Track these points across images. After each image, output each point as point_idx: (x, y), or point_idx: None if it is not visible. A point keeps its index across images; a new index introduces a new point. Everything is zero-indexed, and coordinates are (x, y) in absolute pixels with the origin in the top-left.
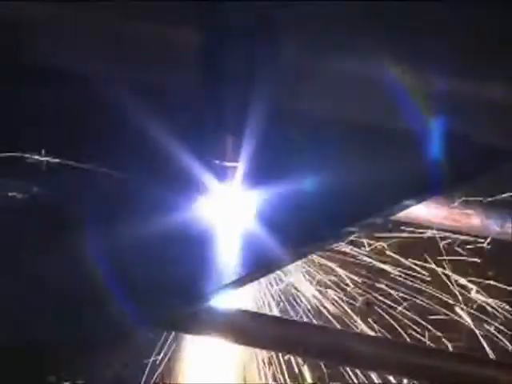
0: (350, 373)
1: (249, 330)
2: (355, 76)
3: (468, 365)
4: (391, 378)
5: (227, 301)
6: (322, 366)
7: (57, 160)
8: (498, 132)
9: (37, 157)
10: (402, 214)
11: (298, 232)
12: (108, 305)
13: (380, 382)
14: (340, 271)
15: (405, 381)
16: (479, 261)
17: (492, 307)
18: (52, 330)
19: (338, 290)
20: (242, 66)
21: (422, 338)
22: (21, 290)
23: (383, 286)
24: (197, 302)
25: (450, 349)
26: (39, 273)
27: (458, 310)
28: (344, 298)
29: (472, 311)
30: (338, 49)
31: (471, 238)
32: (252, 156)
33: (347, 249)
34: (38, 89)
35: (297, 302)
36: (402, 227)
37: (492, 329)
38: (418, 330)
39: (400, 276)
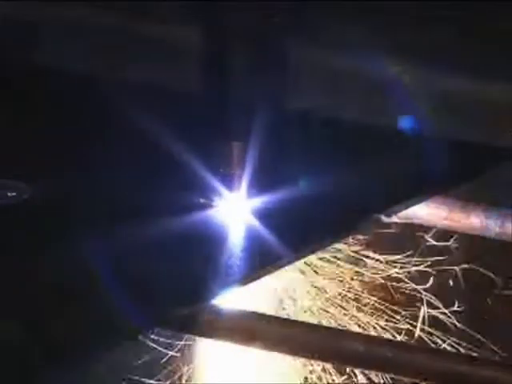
0: None
1: (258, 331)
2: (356, 76)
3: (468, 365)
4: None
5: (236, 302)
6: None
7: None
8: (498, 132)
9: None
10: (402, 214)
11: (299, 233)
12: (110, 305)
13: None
14: None
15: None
16: None
17: None
18: (52, 331)
19: None
20: (246, 70)
21: None
22: (21, 290)
23: None
24: (201, 300)
25: None
26: (40, 273)
27: None
28: None
29: None
30: (340, 49)
31: None
32: (256, 161)
33: None
34: (39, 88)
35: None
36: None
37: None
38: None
39: None
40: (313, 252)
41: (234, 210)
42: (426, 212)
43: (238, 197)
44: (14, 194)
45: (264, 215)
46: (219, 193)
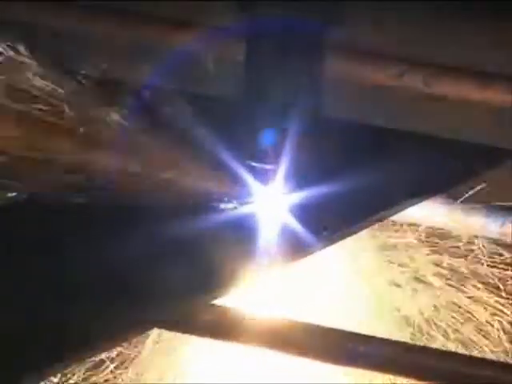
0: None
1: (258, 331)
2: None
3: (468, 365)
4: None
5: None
6: None
7: None
8: (498, 132)
9: None
10: (402, 214)
11: (325, 224)
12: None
13: None
14: None
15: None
16: None
17: None
18: (52, 330)
19: None
20: (282, 68)
21: None
22: (28, 290)
23: None
24: (233, 285)
25: None
26: (50, 272)
27: None
28: None
29: None
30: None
31: None
32: (290, 158)
33: None
34: None
35: None
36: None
37: None
38: None
39: None
40: (339, 240)
41: (272, 207)
42: (426, 212)
43: (274, 194)
44: (14, 194)
45: (297, 209)
46: (256, 191)
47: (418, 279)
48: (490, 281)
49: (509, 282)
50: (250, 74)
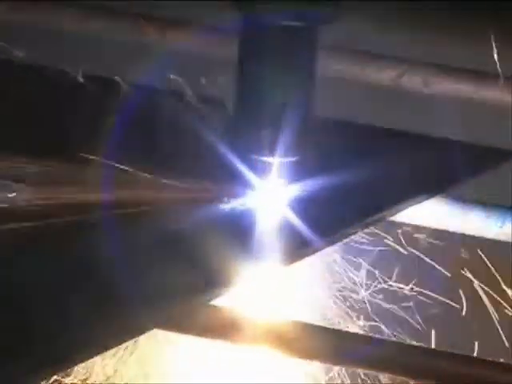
0: None
1: (258, 331)
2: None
3: (468, 365)
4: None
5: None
6: None
7: None
8: (498, 132)
9: None
10: (402, 214)
11: (327, 222)
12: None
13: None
14: None
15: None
16: None
17: None
18: (57, 330)
19: None
20: (281, 66)
21: None
22: (28, 290)
23: None
24: (233, 285)
25: None
26: (50, 272)
27: None
28: None
29: None
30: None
31: None
32: (289, 151)
33: None
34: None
35: None
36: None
37: None
38: None
39: None
40: (340, 240)
41: (271, 202)
42: (426, 212)
43: (273, 189)
44: (14, 194)
45: (297, 204)
46: (256, 185)
47: None
48: None
49: None
50: (249, 73)
